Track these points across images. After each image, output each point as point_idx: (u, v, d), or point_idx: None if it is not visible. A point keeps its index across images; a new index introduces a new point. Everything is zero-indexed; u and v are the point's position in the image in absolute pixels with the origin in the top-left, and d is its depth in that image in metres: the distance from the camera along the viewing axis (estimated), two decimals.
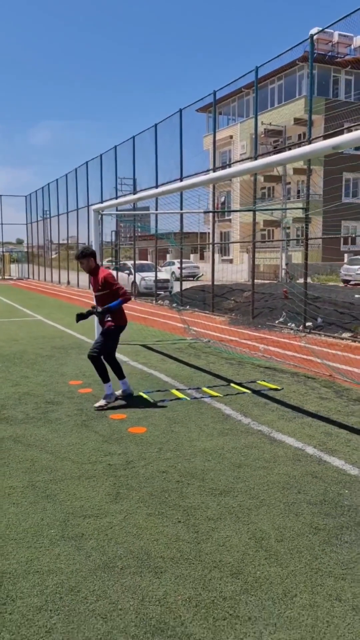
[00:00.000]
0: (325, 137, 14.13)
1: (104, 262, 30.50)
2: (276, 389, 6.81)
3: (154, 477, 4.12)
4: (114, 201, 10.22)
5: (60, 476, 4.15)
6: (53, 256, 38.19)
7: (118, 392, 6.34)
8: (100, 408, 5.90)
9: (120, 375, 6.38)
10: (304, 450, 4.69)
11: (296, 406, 6.05)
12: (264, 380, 7.27)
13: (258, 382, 7.21)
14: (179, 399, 6.34)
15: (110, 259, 26.98)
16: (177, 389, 6.76)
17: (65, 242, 34.77)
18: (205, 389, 6.82)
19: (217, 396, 6.47)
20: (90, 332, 11.26)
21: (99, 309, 6.00)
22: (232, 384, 7.08)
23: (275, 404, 6.16)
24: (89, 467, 4.33)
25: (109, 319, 6.00)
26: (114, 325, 6.05)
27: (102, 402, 6.00)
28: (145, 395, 6.47)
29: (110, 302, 5.99)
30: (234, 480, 4.05)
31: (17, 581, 2.81)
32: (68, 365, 8.38)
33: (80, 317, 6.07)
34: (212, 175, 7.35)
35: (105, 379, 6.05)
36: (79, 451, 4.67)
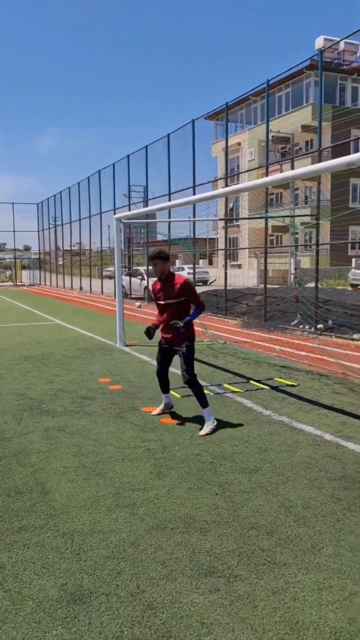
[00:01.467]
0: (334, 147, 14.64)
1: (112, 268, 31.18)
2: (292, 385, 7.29)
3: (189, 459, 4.62)
4: (136, 211, 10.76)
5: (105, 458, 4.66)
6: (60, 263, 38.97)
7: (160, 407, 6.02)
8: (207, 434, 5.21)
9: (165, 390, 5.97)
10: (323, 437, 5.18)
11: (312, 400, 6.54)
12: (281, 378, 7.76)
13: (275, 379, 7.70)
14: (170, 400, 6.82)
15: (122, 264, 27.57)
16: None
17: (75, 248, 35.51)
18: (226, 385, 7.32)
19: (238, 392, 6.96)
20: (112, 335, 11.79)
21: (181, 324, 5.26)
22: (251, 381, 7.57)
23: (293, 398, 6.65)
24: (129, 451, 4.84)
25: (184, 329, 5.33)
26: (191, 338, 5.52)
27: (207, 430, 5.26)
28: (172, 392, 6.96)
29: (182, 311, 5.45)
30: (261, 462, 4.55)
31: (85, 538, 3.32)
32: (94, 365, 8.90)
33: (150, 332, 5.69)
34: (228, 189, 7.88)
35: (204, 403, 5.41)
36: (118, 438, 5.18)
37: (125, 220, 10.99)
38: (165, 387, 5.97)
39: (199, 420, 5.59)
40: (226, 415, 5.89)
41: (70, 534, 3.37)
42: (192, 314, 5.48)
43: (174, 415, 5.92)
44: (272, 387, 7.20)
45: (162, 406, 6.04)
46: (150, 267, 23.55)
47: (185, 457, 4.66)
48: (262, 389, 7.16)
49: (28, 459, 4.66)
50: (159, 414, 5.94)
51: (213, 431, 5.28)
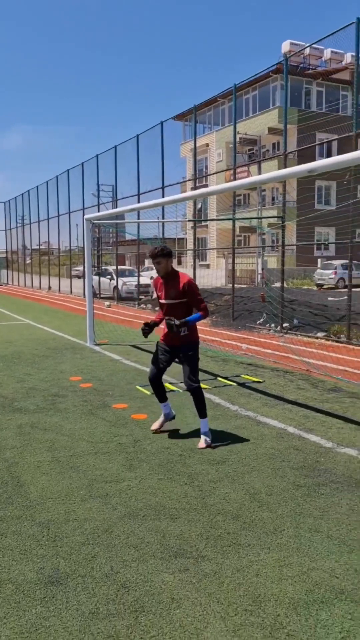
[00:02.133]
0: (300, 150, 15.03)
1: (80, 268, 31.27)
2: (258, 382, 7.57)
3: (159, 452, 4.82)
4: (108, 211, 10.89)
5: (78, 452, 4.82)
6: (27, 262, 38.75)
7: (159, 420, 5.50)
8: (204, 448, 4.91)
9: (162, 398, 5.42)
10: (286, 429, 5.44)
11: (277, 395, 6.82)
12: (247, 375, 8.03)
13: (242, 376, 7.96)
14: (172, 391, 7.03)
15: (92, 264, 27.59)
16: (170, 383, 7.46)
17: (42, 247, 35.32)
18: None
19: (206, 388, 7.19)
20: (81, 334, 11.89)
21: (177, 321, 4.92)
22: (218, 378, 7.82)
23: (259, 394, 6.91)
24: (102, 445, 5.01)
25: (186, 332, 5.03)
26: (194, 342, 5.14)
27: (203, 444, 4.95)
28: (141, 389, 7.15)
29: (184, 312, 5.05)
30: (227, 453, 4.78)
31: (60, 526, 3.48)
32: (65, 363, 9.01)
33: (147, 329, 5.30)
34: (197, 192, 8.10)
35: (202, 413, 5.11)
36: (91, 433, 5.35)
37: (96, 221, 11.10)
38: (161, 395, 5.35)
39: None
40: (195, 411, 6.10)
41: (46, 523, 3.53)
42: (192, 315, 5.02)
43: (144, 411, 6.11)
44: (239, 384, 7.46)
45: (161, 418, 5.45)
46: (119, 267, 23.67)
47: (156, 450, 4.86)
48: (230, 385, 7.41)
49: (2, 454, 4.79)
50: (158, 429, 5.38)
51: (209, 445, 4.91)
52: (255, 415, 5.95)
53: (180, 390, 7.01)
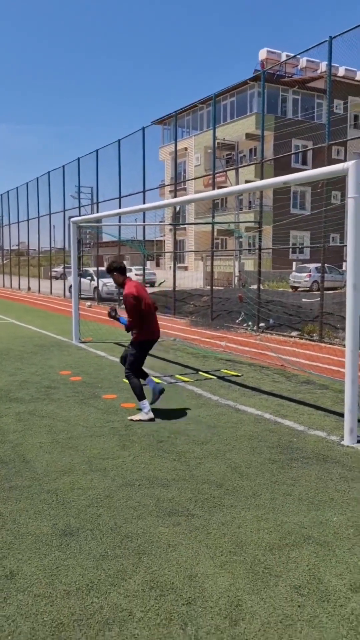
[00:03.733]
0: (276, 159, 15.69)
1: (59, 269, 31.57)
2: (237, 375, 8.14)
3: (149, 434, 5.34)
4: (94, 215, 11.36)
5: (76, 435, 5.31)
6: (4, 262, 38.91)
7: (150, 414, 5.89)
8: (137, 420, 5.77)
9: (143, 376, 6.22)
10: (263, 415, 6.01)
11: (254, 387, 7.39)
12: (226, 369, 8.59)
13: (221, 370, 8.52)
14: (157, 383, 7.54)
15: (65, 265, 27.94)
16: (155, 377, 7.96)
17: (17, 248, 35.51)
18: (178, 376, 8.08)
19: (188, 381, 7.74)
20: (65, 332, 12.33)
21: (118, 315, 6.19)
22: (200, 372, 8.36)
23: (237, 386, 7.48)
24: (96, 429, 5.50)
25: (134, 333, 5.95)
26: (137, 340, 5.96)
27: (138, 417, 5.83)
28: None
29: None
30: (210, 435, 5.32)
31: (67, 493, 3.98)
32: (53, 359, 9.46)
33: (113, 313, 6.25)
34: (178, 199, 8.63)
35: (140, 396, 5.87)
36: (85, 419, 5.84)
37: (83, 224, 11.56)
38: (142, 375, 6.21)
39: (156, 404, 6.31)
40: (179, 400, 6.64)
41: (54, 491, 4.02)
42: (122, 319, 6.09)
43: (132, 401, 6.61)
44: (219, 377, 8.02)
45: (150, 398, 6.08)
46: (101, 268, 24.08)
47: (146, 434, 5.38)
48: (210, 378, 7.96)
49: (6, 436, 5.25)
50: (146, 418, 5.83)
51: (143, 420, 5.71)
52: (234, 404, 6.51)
53: (165, 383, 7.52)
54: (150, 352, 6.36)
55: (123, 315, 6.22)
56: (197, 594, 2.76)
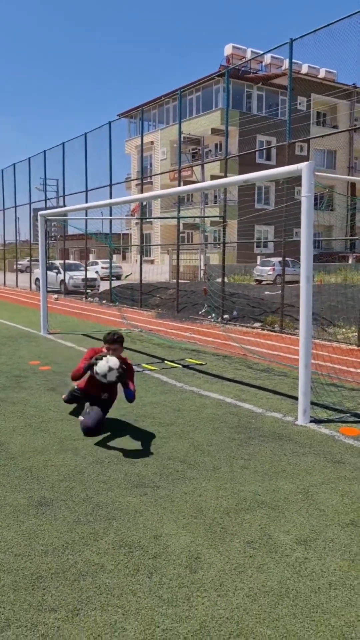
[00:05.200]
0: (240, 155, 16.11)
1: (24, 262, 31.48)
2: (201, 364, 8.51)
3: (117, 419, 5.65)
4: (63, 209, 11.53)
5: (47, 419, 5.58)
6: None
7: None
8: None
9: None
10: (224, 400, 6.40)
11: (217, 374, 7.78)
12: (191, 358, 8.96)
13: (186, 359, 8.89)
14: (173, 368, 7.85)
15: (28, 258, 27.89)
16: (170, 360, 8.27)
17: None
18: (144, 364, 8.40)
19: (154, 369, 8.07)
20: (33, 324, 12.49)
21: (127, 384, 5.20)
22: (165, 361, 8.70)
23: (201, 374, 7.86)
24: (66, 414, 5.79)
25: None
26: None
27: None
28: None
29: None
30: (175, 418, 5.67)
31: (41, 470, 4.27)
32: (22, 350, 9.65)
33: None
34: (146, 194, 8.95)
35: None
36: (55, 405, 6.11)
37: (50, 217, 11.72)
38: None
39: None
40: (145, 387, 6.97)
41: (29, 468, 4.31)
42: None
43: None
44: (184, 366, 8.38)
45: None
46: (68, 261, 24.14)
47: (113, 418, 5.69)
48: (175, 367, 8.31)
49: None
50: None
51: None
52: (198, 390, 6.88)
53: (180, 366, 7.78)
54: None
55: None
56: (161, 550, 3.10)
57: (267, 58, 40.02)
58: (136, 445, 4.86)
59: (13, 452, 4.65)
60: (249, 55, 39.69)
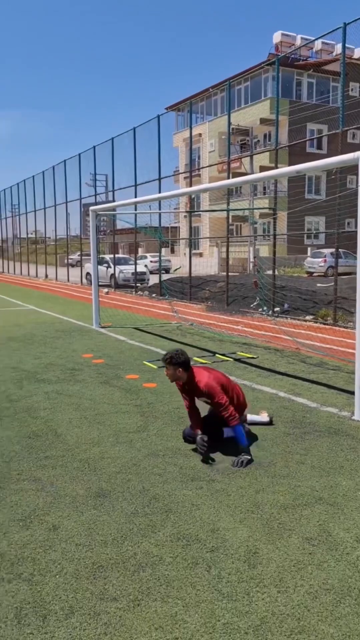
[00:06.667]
0: (291, 145, 15.84)
1: (75, 256, 32.08)
2: (253, 358, 8.45)
3: (170, 412, 5.68)
4: (114, 203, 11.68)
5: (102, 412, 5.68)
6: (17, 251, 39.62)
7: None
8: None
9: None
10: (278, 394, 6.33)
11: (270, 368, 7.70)
12: (242, 352, 8.91)
13: (238, 353, 8.84)
14: (203, 364, 7.88)
15: (79, 253, 28.39)
16: (197, 357, 8.30)
17: (32, 236, 36.07)
18: (195, 358, 8.40)
19: (206, 363, 8.06)
20: (85, 318, 12.72)
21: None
22: (216, 355, 8.69)
23: (253, 367, 7.80)
24: (121, 406, 5.87)
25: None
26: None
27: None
28: (148, 364, 8.01)
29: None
30: None
31: (97, 462, 4.35)
32: (75, 344, 9.84)
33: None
34: (195, 188, 8.93)
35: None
36: (109, 398, 6.20)
37: (101, 212, 11.88)
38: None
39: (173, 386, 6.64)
40: None
41: (86, 460, 4.40)
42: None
43: (154, 381, 6.97)
44: (235, 359, 8.33)
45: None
46: (118, 255, 24.43)
47: (167, 411, 5.73)
48: (227, 360, 8.28)
49: (37, 413, 5.64)
50: None
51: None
52: (250, 383, 6.84)
53: (156, 367, 7.81)
54: (168, 336, 6.58)
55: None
56: (219, 544, 3.11)
57: (318, 44, 39.10)
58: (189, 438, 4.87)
59: (70, 443, 4.76)
60: (298, 42, 38.89)
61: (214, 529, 3.28)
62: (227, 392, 4.57)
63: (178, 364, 4.49)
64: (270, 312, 13.43)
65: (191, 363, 4.64)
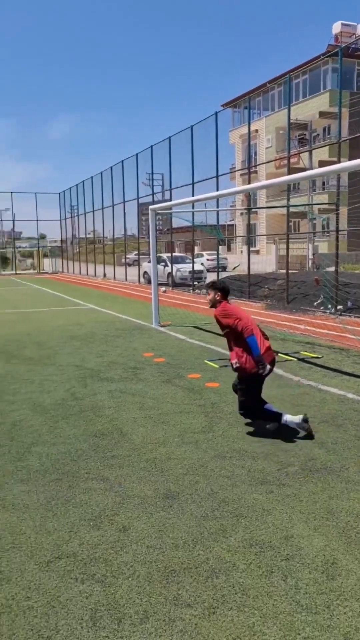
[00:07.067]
0: (353, 138, 15.35)
1: (132, 256, 32.42)
2: (317, 357, 8.22)
3: (235, 412, 5.57)
4: (172, 202, 11.68)
5: (165, 411, 5.65)
6: (76, 250, 40.48)
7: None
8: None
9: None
10: (346, 396, 6.11)
11: (335, 368, 7.46)
12: (306, 351, 8.68)
13: (301, 352, 8.62)
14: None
15: (136, 252, 28.65)
16: (209, 360, 8.19)
17: (90, 236, 36.76)
18: None
19: None
20: (144, 317, 12.79)
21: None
22: (279, 354, 8.50)
23: (318, 367, 7.57)
24: (184, 406, 5.82)
25: (237, 364, 4.89)
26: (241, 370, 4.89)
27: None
28: (210, 363, 7.94)
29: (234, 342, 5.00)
30: (294, 413, 5.44)
31: (164, 462, 4.31)
32: (135, 342, 9.89)
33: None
34: (253, 185, 8.77)
35: (274, 418, 4.88)
36: (172, 397, 6.17)
37: (160, 211, 11.90)
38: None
39: None
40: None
41: (152, 460, 4.37)
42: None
43: (216, 380, 6.89)
44: (299, 359, 8.13)
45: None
46: (175, 254, 24.48)
47: (232, 411, 5.63)
48: (290, 360, 8.09)
49: (102, 412, 5.68)
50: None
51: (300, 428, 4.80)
52: (316, 384, 6.64)
53: (217, 366, 7.69)
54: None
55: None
56: (294, 552, 2.99)
57: None
58: (255, 440, 4.76)
59: (136, 443, 4.75)
60: (359, 32, 37.70)
61: (287, 535, 3.17)
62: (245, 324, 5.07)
63: (218, 288, 5.12)
64: (333, 310, 13.06)
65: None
